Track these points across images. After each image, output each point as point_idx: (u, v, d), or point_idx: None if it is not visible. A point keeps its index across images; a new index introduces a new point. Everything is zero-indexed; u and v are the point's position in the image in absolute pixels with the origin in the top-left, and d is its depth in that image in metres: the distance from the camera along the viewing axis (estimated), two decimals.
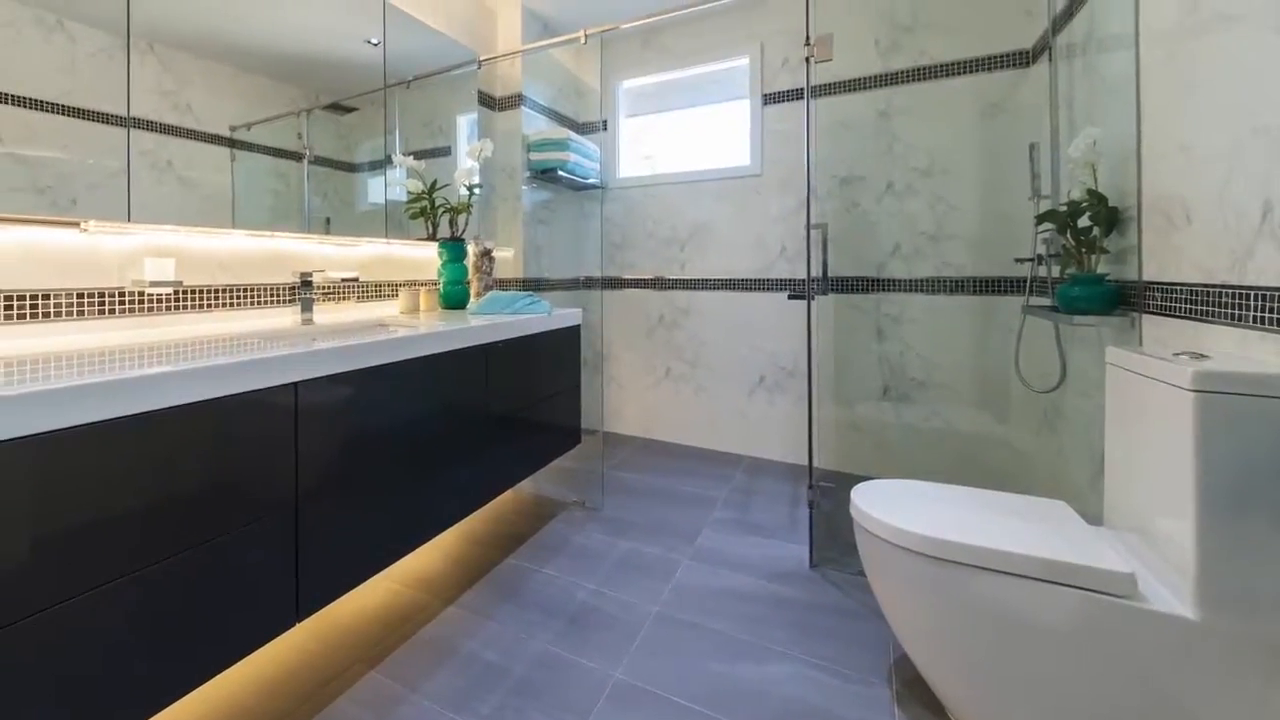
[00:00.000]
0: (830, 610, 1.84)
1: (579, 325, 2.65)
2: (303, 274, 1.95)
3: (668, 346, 3.64)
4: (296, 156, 2.04)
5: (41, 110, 1.38)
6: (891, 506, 1.44)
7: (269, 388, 1.23)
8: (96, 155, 1.48)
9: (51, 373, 1.01)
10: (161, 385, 1.04)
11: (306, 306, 1.96)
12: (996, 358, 2.70)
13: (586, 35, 2.55)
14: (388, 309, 2.39)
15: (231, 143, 1.81)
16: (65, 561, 0.92)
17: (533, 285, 3.22)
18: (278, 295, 1.98)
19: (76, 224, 1.44)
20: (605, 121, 3.78)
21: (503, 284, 3.08)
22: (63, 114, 1.41)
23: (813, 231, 2.17)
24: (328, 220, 2.14)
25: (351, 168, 2.26)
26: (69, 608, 0.93)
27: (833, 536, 2.17)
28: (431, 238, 2.45)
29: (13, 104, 1.33)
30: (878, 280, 2.97)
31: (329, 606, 1.43)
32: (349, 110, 2.24)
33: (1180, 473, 1.10)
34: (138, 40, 1.55)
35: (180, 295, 1.70)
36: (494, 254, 2.83)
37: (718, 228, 3.43)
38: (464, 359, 1.86)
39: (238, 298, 1.86)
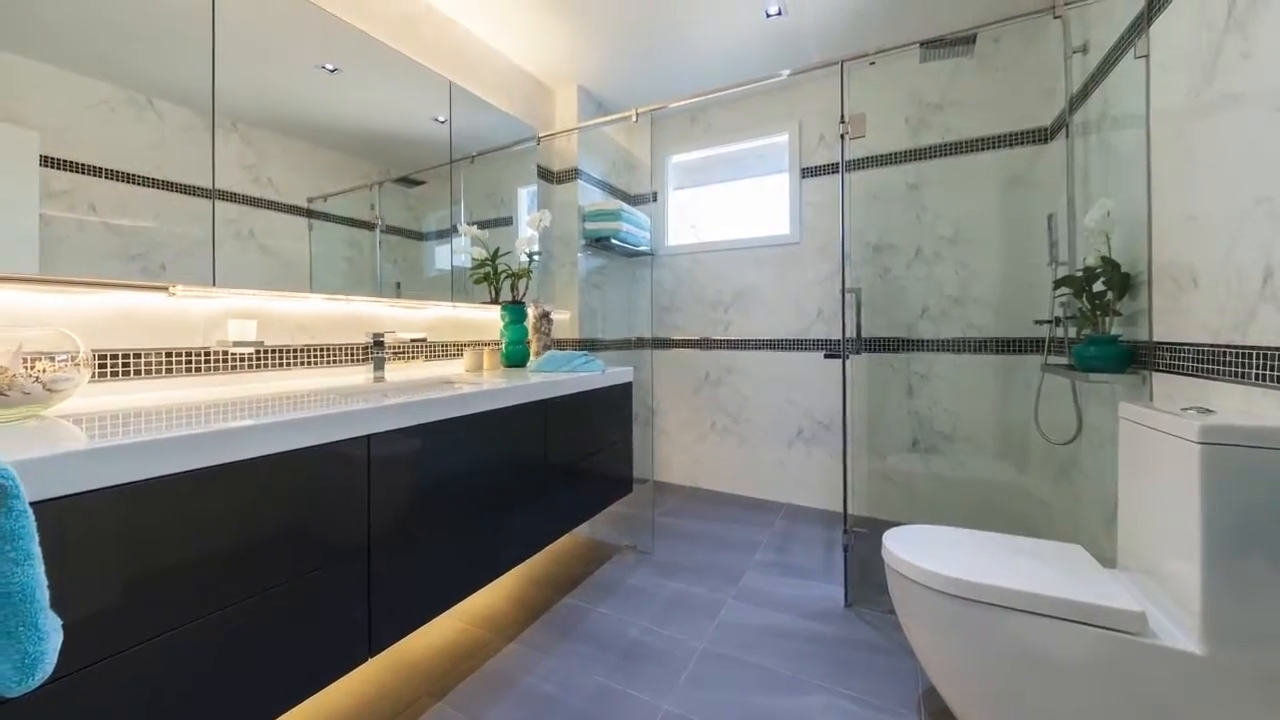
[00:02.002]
0: (863, 646, 1.89)
1: (630, 382, 2.70)
2: (375, 335, 2.02)
3: (713, 402, 3.72)
4: (369, 226, 2.11)
5: (133, 183, 1.43)
6: (920, 550, 1.50)
7: (344, 440, 1.27)
8: (184, 225, 1.53)
9: (144, 426, 1.04)
10: (245, 438, 1.08)
11: (379, 365, 2.02)
12: (1017, 412, 2.74)
13: (638, 114, 2.65)
14: (453, 367, 2.48)
15: (309, 213, 1.87)
16: (155, 600, 0.95)
17: (588, 345, 3.32)
18: (352, 354, 2.05)
19: (165, 288, 1.51)
20: (655, 193, 3.91)
21: (560, 344, 3.20)
22: (153, 186, 1.47)
23: (847, 295, 2.24)
24: (398, 284, 2.22)
25: (420, 236, 2.34)
26: (159, 643, 0.96)
27: (866, 578, 2.22)
28: (494, 301, 2.53)
29: (107, 177, 1.39)
30: (907, 340, 3.04)
31: (399, 643, 1.48)
32: (417, 183, 2.32)
33: (1187, 518, 1.16)
34: (222, 119, 1.62)
35: (261, 355, 1.76)
36: (552, 316, 2.91)
37: (759, 292, 3.54)
38: (524, 413, 1.90)
39: (315, 357, 1.92)
